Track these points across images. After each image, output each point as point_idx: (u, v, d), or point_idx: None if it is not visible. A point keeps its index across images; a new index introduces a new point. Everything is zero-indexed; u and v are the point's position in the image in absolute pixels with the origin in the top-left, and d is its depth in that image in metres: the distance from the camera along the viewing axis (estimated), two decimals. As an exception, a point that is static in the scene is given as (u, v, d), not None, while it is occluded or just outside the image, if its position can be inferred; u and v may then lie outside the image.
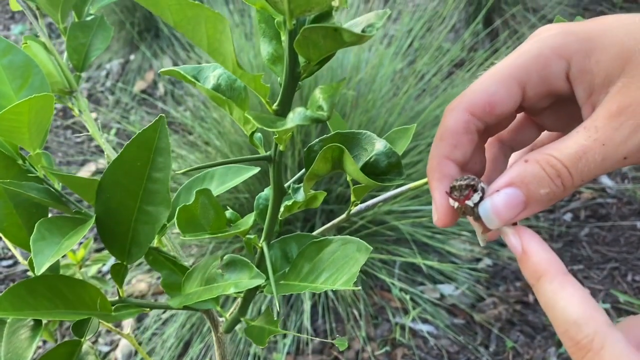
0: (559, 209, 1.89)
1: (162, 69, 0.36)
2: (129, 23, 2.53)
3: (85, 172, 2.03)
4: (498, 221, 0.30)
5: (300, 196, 0.37)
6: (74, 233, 0.41)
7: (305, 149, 0.37)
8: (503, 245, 1.77)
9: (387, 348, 1.50)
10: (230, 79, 0.37)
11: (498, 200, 0.30)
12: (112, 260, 1.85)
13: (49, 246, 0.39)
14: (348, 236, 0.41)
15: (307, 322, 1.49)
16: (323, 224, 1.59)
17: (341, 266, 0.40)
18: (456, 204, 0.31)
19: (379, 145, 0.35)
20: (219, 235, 0.37)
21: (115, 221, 0.43)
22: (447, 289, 1.64)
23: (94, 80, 2.58)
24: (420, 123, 1.56)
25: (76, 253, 0.95)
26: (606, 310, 1.58)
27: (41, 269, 0.36)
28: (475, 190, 0.31)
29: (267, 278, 0.43)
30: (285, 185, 0.40)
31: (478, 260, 1.72)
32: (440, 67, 1.76)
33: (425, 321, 1.56)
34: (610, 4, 2.74)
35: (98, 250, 1.71)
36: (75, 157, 2.15)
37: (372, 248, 0.39)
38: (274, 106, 0.34)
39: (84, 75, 2.61)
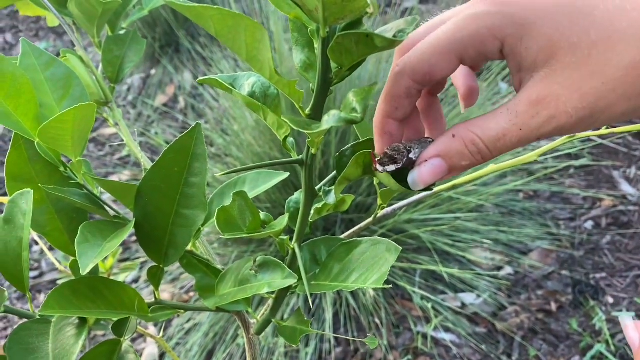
0: (580, 217, 1.88)
1: (200, 78, 0.38)
2: (150, 38, 2.58)
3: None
4: (422, 184, 0.36)
5: (332, 198, 0.38)
6: (114, 236, 0.43)
7: (337, 154, 0.38)
8: (524, 253, 1.77)
9: (409, 357, 1.51)
10: (264, 87, 0.39)
11: (424, 170, 0.35)
12: (134, 272, 1.88)
13: (92, 248, 0.41)
14: (377, 237, 0.43)
15: (329, 331, 1.50)
16: (342, 233, 1.59)
17: (371, 266, 0.41)
18: (380, 168, 0.36)
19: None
20: (255, 235, 0.39)
21: (153, 225, 0.45)
22: (468, 297, 1.64)
23: (115, 95, 2.62)
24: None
25: (105, 261, 0.97)
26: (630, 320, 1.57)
27: (86, 270, 0.38)
28: (394, 162, 0.36)
29: (299, 278, 0.45)
30: (317, 187, 0.42)
31: (499, 268, 1.72)
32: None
33: (447, 330, 1.56)
34: None
35: (122, 260, 1.74)
36: (98, 170, 2.19)
37: (401, 248, 0.41)
38: (307, 111, 0.35)
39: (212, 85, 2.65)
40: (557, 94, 0.32)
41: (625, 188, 1.96)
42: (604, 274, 1.72)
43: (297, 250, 0.43)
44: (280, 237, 0.43)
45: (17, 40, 3.14)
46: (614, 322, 1.59)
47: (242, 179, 0.51)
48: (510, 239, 1.73)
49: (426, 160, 0.35)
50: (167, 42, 2.62)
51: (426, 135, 0.40)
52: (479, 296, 1.63)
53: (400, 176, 0.36)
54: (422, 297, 1.55)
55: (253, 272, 0.46)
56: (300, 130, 0.29)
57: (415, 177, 0.35)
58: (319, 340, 1.52)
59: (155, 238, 0.46)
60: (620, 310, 1.61)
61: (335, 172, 0.44)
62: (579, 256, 1.76)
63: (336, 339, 1.55)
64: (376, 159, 0.36)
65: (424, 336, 1.54)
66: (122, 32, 0.61)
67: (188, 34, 2.57)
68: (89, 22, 0.55)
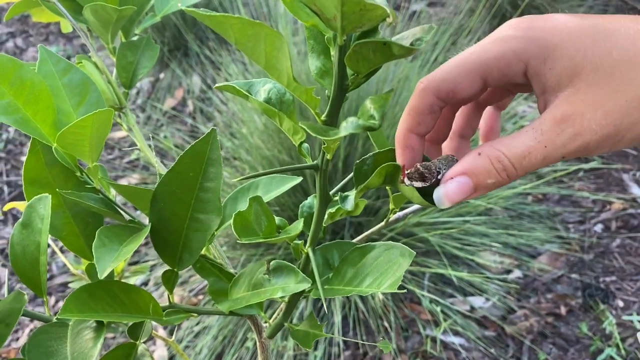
0: (590, 220, 1.88)
1: (217, 85, 0.38)
2: (159, 42, 2.59)
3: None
4: (448, 203, 0.36)
5: (350, 205, 0.39)
6: (131, 240, 0.43)
7: (357, 162, 0.38)
8: (533, 256, 1.76)
9: (418, 360, 1.51)
10: (280, 93, 0.39)
11: (451, 188, 0.35)
12: (143, 275, 1.88)
13: (109, 252, 0.41)
14: (390, 242, 0.43)
15: (337, 334, 1.50)
16: (352, 237, 1.60)
17: (385, 270, 0.42)
18: (408, 182, 0.37)
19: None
20: (271, 240, 0.39)
21: (168, 229, 0.46)
22: (477, 301, 1.63)
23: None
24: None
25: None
26: (640, 323, 1.57)
27: (104, 274, 0.39)
28: (422, 180, 0.37)
29: (313, 282, 0.45)
30: (330, 192, 0.42)
31: (508, 271, 1.72)
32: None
33: (456, 333, 1.56)
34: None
35: (132, 264, 1.75)
36: (110, 173, 2.20)
37: (415, 253, 0.41)
38: (323, 117, 0.36)
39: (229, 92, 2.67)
40: (581, 111, 0.32)
41: (635, 191, 1.95)
42: (614, 278, 1.71)
43: (311, 255, 0.43)
44: (295, 241, 0.43)
45: (28, 45, 3.17)
46: (624, 326, 1.59)
47: (255, 183, 0.51)
48: (520, 242, 1.72)
49: (452, 178, 0.35)
50: (176, 46, 2.63)
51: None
52: (487, 300, 1.63)
53: (425, 191, 0.36)
54: (431, 301, 1.55)
55: (266, 276, 0.46)
56: (318, 136, 0.30)
57: (441, 194, 0.35)
58: (327, 344, 1.53)
59: (170, 242, 0.46)
60: (631, 314, 1.60)
61: (349, 176, 0.44)
62: (588, 259, 1.76)
63: (345, 342, 1.55)
64: (405, 172, 0.37)
65: (433, 340, 1.53)
66: (135, 38, 0.62)
67: (197, 37, 2.58)
68: (103, 28, 0.56)
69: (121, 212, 0.48)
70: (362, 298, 1.55)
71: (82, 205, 0.46)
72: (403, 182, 0.36)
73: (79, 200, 0.44)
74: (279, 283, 0.45)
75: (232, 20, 0.29)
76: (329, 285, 0.46)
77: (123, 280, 1.02)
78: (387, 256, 0.42)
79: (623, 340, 1.55)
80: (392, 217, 0.52)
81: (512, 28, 0.35)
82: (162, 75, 2.65)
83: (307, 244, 0.44)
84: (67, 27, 0.62)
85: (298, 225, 0.40)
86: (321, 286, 0.45)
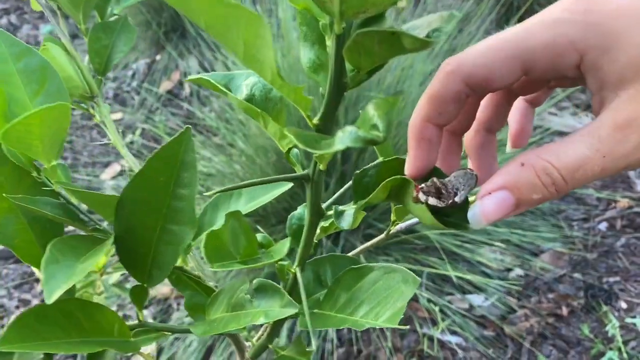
0: (594, 218, 1.82)
1: (190, 77, 0.32)
2: (156, 23, 2.51)
3: (110, 173, 2.02)
4: (485, 222, 0.30)
5: (346, 223, 0.33)
6: (90, 255, 0.37)
7: (357, 173, 0.32)
8: (535, 254, 1.71)
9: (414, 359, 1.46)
10: (266, 89, 0.33)
11: (488, 204, 0.30)
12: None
13: (61, 270, 0.35)
14: (392, 264, 0.37)
15: (332, 331, 1.45)
16: (347, 242, 1.53)
17: (384, 299, 0.36)
18: (423, 197, 0.31)
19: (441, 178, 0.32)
20: (251, 265, 0.33)
21: (135, 241, 0.40)
22: (476, 299, 1.58)
23: (120, 80, 2.57)
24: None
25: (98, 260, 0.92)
26: (643, 325, 1.52)
27: (52, 297, 0.33)
28: (439, 198, 0.31)
29: (301, 305, 0.39)
30: (323, 205, 0.36)
31: (509, 270, 1.66)
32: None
33: (453, 332, 1.51)
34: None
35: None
36: (100, 159, 2.14)
37: (420, 280, 0.35)
38: (315, 120, 0.30)
39: (110, 75, 2.60)
40: None
41: (642, 189, 1.89)
42: (617, 278, 1.66)
43: (299, 277, 0.37)
44: (280, 262, 0.37)
45: (22, 22, 3.09)
46: (627, 329, 1.53)
47: (252, 183, 0.45)
48: (522, 239, 1.67)
49: (490, 193, 0.29)
50: (172, 27, 2.56)
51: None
52: (487, 298, 1.58)
53: (437, 211, 0.30)
54: (429, 300, 1.50)
55: (248, 296, 0.40)
56: (308, 149, 0.24)
57: (477, 213, 0.30)
58: (321, 340, 1.47)
59: (139, 255, 0.40)
60: (634, 317, 1.55)
61: (347, 185, 0.38)
62: (592, 259, 1.70)
63: (339, 338, 1.50)
64: (419, 186, 0.31)
65: (430, 339, 1.48)
66: (113, 18, 0.55)
67: (194, 18, 2.50)
68: (73, 6, 0.49)
69: (84, 219, 0.42)
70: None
71: (38, 212, 0.40)
72: (417, 197, 0.30)
73: (31, 207, 0.38)
74: (262, 306, 0.39)
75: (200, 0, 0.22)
76: (320, 309, 0.40)
77: (105, 276, 0.96)
78: (387, 281, 0.36)
79: (625, 343, 1.50)
80: (394, 229, 0.46)
81: (567, 10, 0.29)
82: (158, 57, 2.58)
83: (295, 263, 0.38)
84: (36, 4, 0.56)
85: (283, 248, 0.34)
86: (309, 314, 0.39)
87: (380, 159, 0.38)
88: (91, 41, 0.52)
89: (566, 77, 0.30)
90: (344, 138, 0.23)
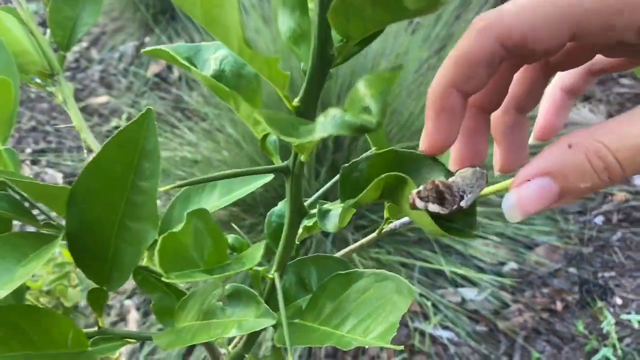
0: (590, 211, 1.78)
1: (146, 49, 0.27)
2: (144, 5, 2.44)
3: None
4: (521, 215, 0.26)
5: (332, 225, 0.28)
6: (35, 255, 0.32)
7: (344, 167, 0.27)
8: (530, 247, 1.67)
9: (405, 355, 1.42)
10: (238, 64, 0.28)
11: (527, 193, 0.25)
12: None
13: (1, 274, 0.30)
14: (384, 271, 0.32)
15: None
16: (335, 239, 1.47)
17: (374, 311, 0.31)
18: (421, 205, 0.26)
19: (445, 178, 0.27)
20: (217, 275, 0.28)
21: (91, 239, 0.35)
22: (469, 293, 1.54)
23: (106, 63, 2.50)
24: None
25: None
26: (639, 323, 1.49)
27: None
28: (441, 203, 0.26)
29: (280, 312, 0.34)
30: (306, 203, 0.31)
31: (502, 263, 1.62)
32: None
33: (445, 327, 1.47)
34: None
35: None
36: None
37: (415, 290, 0.30)
38: (295, 102, 0.25)
39: (96, 57, 2.53)
40: None
41: (639, 182, 1.85)
42: (613, 273, 1.62)
43: (277, 284, 0.32)
44: (255, 267, 0.32)
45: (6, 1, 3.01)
46: (622, 325, 1.50)
47: (223, 175, 0.40)
48: (516, 233, 1.63)
49: (528, 180, 0.25)
50: (162, 9, 2.49)
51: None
52: (480, 292, 1.54)
53: (439, 217, 0.26)
54: (421, 294, 1.45)
55: (220, 303, 0.35)
56: (282, 137, 0.19)
57: (513, 203, 0.25)
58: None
59: (95, 255, 0.35)
60: (629, 313, 1.52)
61: (334, 179, 0.33)
62: (587, 253, 1.67)
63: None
64: (416, 191, 0.25)
65: (422, 333, 1.44)
66: (79, -13, 0.50)
67: (184, 0, 2.43)
68: (30, -29, 0.44)
69: (36, 213, 0.37)
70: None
71: (-22, 203, 0.35)
72: (414, 204, 0.25)
73: (-33, 199, 0.32)
74: (235, 314, 0.34)
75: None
76: (302, 320, 0.35)
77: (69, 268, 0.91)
78: (379, 290, 0.32)
79: (620, 340, 1.46)
80: (387, 227, 0.41)
81: None
82: (147, 39, 2.51)
83: (273, 268, 0.33)
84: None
85: (256, 254, 0.29)
86: (289, 321, 0.34)
87: (373, 149, 0.33)
88: (52, 12, 0.47)
89: (623, 45, 0.25)
90: (326, 124, 0.18)
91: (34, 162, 2.04)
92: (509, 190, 0.26)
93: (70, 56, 2.38)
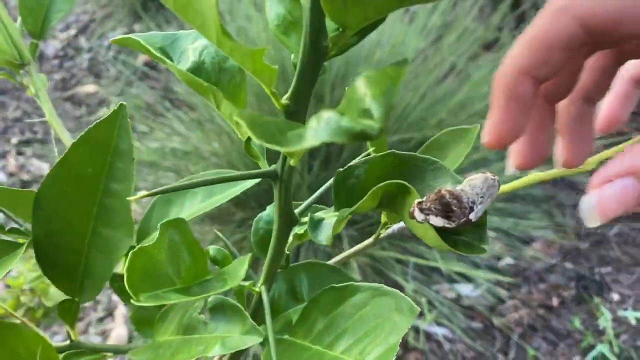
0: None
1: (114, 38, 0.23)
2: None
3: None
4: (601, 218, 0.24)
5: (324, 237, 0.25)
6: (-4, 266, 0.29)
7: (339, 172, 0.24)
8: (526, 242, 1.64)
9: (399, 352, 1.39)
10: (220, 55, 0.25)
11: (609, 195, 0.24)
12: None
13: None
14: (382, 285, 0.29)
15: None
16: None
17: (371, 330, 0.28)
18: (421, 217, 0.23)
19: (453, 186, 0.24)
20: (196, 297, 0.25)
21: (60, 246, 0.32)
22: (464, 288, 1.52)
23: (94, 51, 2.45)
24: (444, 108, 1.43)
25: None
26: (636, 319, 1.47)
27: None
28: (446, 216, 0.23)
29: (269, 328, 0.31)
30: (296, 211, 0.28)
31: (498, 258, 1.60)
32: (466, 48, 1.62)
33: (440, 324, 1.45)
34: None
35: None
36: (74, 132, 2.03)
37: (418, 309, 0.27)
38: (284, 99, 0.21)
39: (84, 45, 2.48)
40: None
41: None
42: (609, 269, 1.60)
43: (264, 298, 0.29)
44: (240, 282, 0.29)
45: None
46: (618, 321, 1.48)
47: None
48: (512, 227, 1.60)
49: (611, 180, 0.23)
50: (152, -4, 2.44)
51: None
52: (475, 288, 1.51)
53: (445, 230, 0.23)
54: (415, 291, 1.43)
55: (203, 317, 0.32)
56: (266, 144, 0.16)
57: (593, 204, 0.23)
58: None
59: (65, 264, 0.32)
60: (626, 309, 1.50)
61: (327, 184, 0.30)
62: (584, 248, 1.64)
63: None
64: (418, 202, 0.22)
65: (416, 330, 1.42)
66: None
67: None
68: (-2, -48, 0.40)
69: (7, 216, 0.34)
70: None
71: None
72: (412, 214, 0.22)
73: None
74: (219, 330, 0.31)
75: None
76: (291, 335, 0.32)
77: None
78: (376, 307, 0.29)
79: (617, 336, 1.45)
80: (384, 233, 0.38)
81: None
82: (136, 27, 2.46)
83: (261, 281, 0.30)
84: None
85: (240, 269, 0.26)
86: (277, 342, 0.31)
87: (370, 150, 0.30)
88: (23, -3, 0.43)
89: None
90: (319, 130, 0.15)
91: (20, 153, 2.00)
92: (589, 191, 0.24)
93: (57, 44, 2.33)
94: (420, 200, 0.23)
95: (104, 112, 2.06)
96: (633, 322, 1.47)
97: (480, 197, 0.23)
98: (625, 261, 1.61)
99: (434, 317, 1.42)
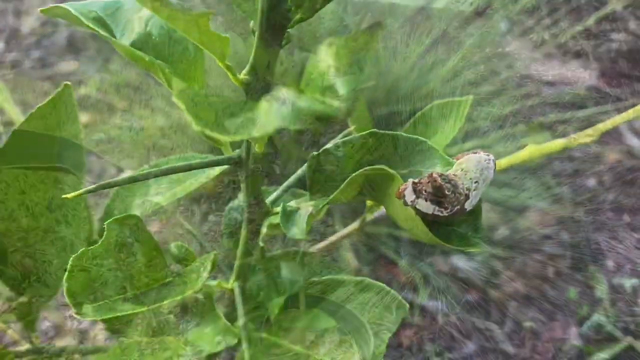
0: (582, 173, 1.74)
1: (44, 8, 0.20)
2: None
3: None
4: None
5: (299, 231, 0.22)
6: None
7: (313, 155, 0.21)
8: (520, 212, 1.62)
9: (393, 327, 1.38)
10: (169, 25, 0.21)
11: None
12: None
13: None
14: (366, 279, 0.26)
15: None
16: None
17: (356, 329, 0.25)
18: (410, 198, 0.20)
19: (443, 170, 0.20)
20: (149, 306, 0.22)
21: (8, 245, 0.28)
22: (459, 261, 1.50)
23: (73, 27, 2.38)
24: (434, 79, 1.40)
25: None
26: (632, 287, 1.46)
27: None
28: (439, 202, 0.20)
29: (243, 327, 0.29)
30: (268, 200, 0.25)
31: (493, 229, 1.58)
32: (456, 14, 1.58)
33: (434, 298, 1.43)
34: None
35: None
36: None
37: (407, 305, 0.25)
38: (242, 74, 0.18)
39: (61, 20, 2.41)
40: None
41: (633, 142, 1.80)
42: (605, 237, 1.58)
43: (237, 297, 0.26)
44: (206, 282, 0.26)
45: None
46: (615, 290, 1.47)
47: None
48: (507, 197, 1.58)
49: None
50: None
51: None
52: (470, 260, 1.50)
53: (435, 219, 0.20)
54: (409, 265, 1.41)
55: (172, 316, 0.29)
56: (207, 132, 0.12)
57: None
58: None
59: (13, 262, 0.29)
60: (622, 277, 1.49)
61: (303, 168, 0.27)
62: (579, 217, 1.62)
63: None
64: (407, 184, 0.19)
65: (410, 305, 1.40)
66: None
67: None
68: None
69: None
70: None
71: None
72: (400, 193, 0.19)
73: None
74: (190, 332, 0.28)
75: None
76: (270, 334, 0.30)
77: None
78: (361, 304, 0.26)
79: (613, 304, 1.44)
80: (370, 217, 0.35)
81: None
82: None
83: (233, 277, 0.27)
84: None
85: (201, 272, 0.23)
86: (253, 335, 0.28)
87: (351, 129, 0.27)
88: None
89: None
90: (271, 113, 0.12)
91: None
92: None
93: (34, 22, 2.26)
94: (415, 180, 0.20)
95: (85, 90, 2.01)
96: (629, 290, 1.46)
97: (475, 183, 0.20)
98: (622, 229, 1.59)
99: (428, 290, 1.40)
